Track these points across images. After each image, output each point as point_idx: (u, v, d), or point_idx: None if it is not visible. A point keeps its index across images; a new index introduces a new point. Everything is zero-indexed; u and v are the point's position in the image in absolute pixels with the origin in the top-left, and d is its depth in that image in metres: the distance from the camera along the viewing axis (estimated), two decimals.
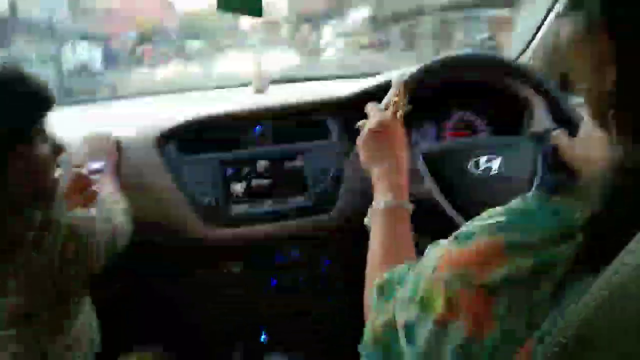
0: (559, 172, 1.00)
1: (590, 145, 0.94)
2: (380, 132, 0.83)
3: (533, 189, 1.00)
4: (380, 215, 0.75)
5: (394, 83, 0.90)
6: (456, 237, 0.46)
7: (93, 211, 0.95)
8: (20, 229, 0.80)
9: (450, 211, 0.98)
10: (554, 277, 0.38)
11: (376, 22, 3.95)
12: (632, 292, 0.29)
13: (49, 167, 0.84)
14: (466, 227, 0.47)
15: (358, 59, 3.67)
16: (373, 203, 0.78)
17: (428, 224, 0.95)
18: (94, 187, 1.04)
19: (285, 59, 3.00)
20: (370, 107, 0.89)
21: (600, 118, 0.46)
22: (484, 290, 0.41)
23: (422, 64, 1.02)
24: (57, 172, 0.97)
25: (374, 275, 0.69)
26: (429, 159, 1.02)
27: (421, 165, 1.00)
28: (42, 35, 2.32)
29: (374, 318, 0.55)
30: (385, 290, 0.56)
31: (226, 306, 1.38)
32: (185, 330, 1.52)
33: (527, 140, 1.09)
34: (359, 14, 4.05)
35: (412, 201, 0.84)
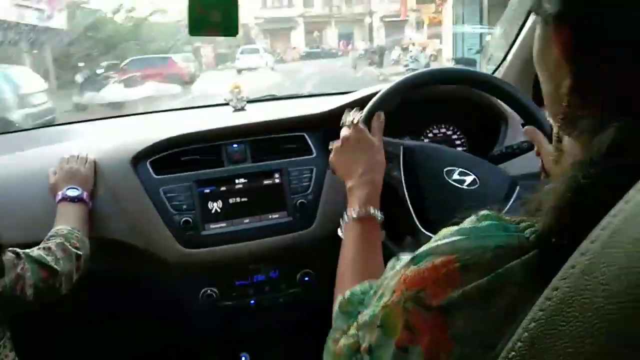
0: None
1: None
2: (344, 148, 0.91)
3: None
4: (349, 225, 0.81)
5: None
6: (412, 259, 0.47)
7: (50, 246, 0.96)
8: None
9: (409, 204, 0.97)
10: (507, 296, 0.39)
11: None
12: (576, 301, 0.29)
13: None
14: (422, 248, 0.47)
15: None
16: (344, 214, 0.83)
17: (385, 208, 0.93)
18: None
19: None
20: (342, 123, 0.96)
21: (558, 123, 0.47)
22: (440, 313, 0.41)
23: (396, 82, 1.03)
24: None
25: (341, 283, 0.74)
26: (408, 152, 1.02)
27: (400, 154, 1.01)
28: None
29: (334, 334, 0.56)
30: (346, 308, 0.56)
31: (203, 330, 1.35)
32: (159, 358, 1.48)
33: (506, 171, 1.07)
34: None
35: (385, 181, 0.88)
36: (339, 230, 0.84)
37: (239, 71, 16.42)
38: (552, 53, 0.45)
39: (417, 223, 0.95)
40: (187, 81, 11.46)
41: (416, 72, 1.07)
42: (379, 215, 0.82)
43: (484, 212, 0.46)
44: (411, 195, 0.97)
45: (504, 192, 0.99)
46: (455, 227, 0.47)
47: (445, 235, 0.47)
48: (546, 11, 0.45)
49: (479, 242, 0.42)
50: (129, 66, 10.84)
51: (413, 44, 17.24)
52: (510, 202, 0.97)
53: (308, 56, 21.17)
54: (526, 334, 0.30)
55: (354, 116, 0.93)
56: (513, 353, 0.31)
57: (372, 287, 0.55)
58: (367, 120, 0.96)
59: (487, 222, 0.44)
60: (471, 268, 0.41)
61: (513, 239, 0.41)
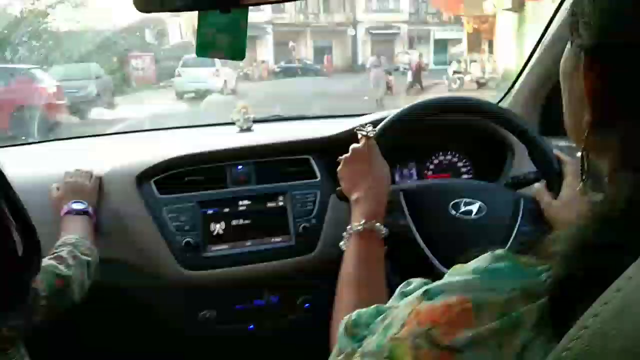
0: (538, 225, 0.98)
1: (573, 207, 0.94)
2: (354, 160, 0.91)
3: (510, 241, 0.97)
4: (353, 238, 0.81)
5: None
6: (425, 292, 0.46)
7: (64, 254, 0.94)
8: None
9: (425, 249, 0.96)
10: (518, 339, 0.38)
11: None
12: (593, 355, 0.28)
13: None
14: (435, 283, 0.46)
15: None
16: (348, 227, 0.83)
17: (400, 258, 0.93)
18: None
19: None
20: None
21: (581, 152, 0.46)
22: (450, 352, 0.41)
23: (401, 109, 1.03)
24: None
25: (342, 296, 0.75)
26: (409, 195, 1.00)
27: (401, 200, 0.99)
28: None
29: (337, 356, 0.55)
30: (352, 331, 0.55)
31: (200, 354, 1.33)
32: None
33: (507, 188, 1.08)
34: None
35: (389, 232, 0.86)
36: (341, 242, 0.84)
37: (180, 95, 9.88)
38: (578, 83, 0.44)
39: (436, 264, 0.94)
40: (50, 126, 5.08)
41: (434, 98, 1.09)
42: (383, 229, 0.82)
43: (500, 251, 0.45)
44: (423, 239, 0.96)
45: (510, 212, 0.99)
46: (471, 265, 0.46)
47: (459, 273, 0.46)
48: (582, 39, 0.44)
49: (494, 284, 0.42)
50: None
51: (458, 61, 13.90)
52: (517, 224, 0.97)
53: (282, 73, 16.82)
54: None
55: (366, 130, 0.93)
56: None
57: (379, 312, 0.54)
58: (380, 137, 0.96)
59: (503, 263, 0.44)
60: (485, 309, 0.40)
61: (529, 282, 0.41)
